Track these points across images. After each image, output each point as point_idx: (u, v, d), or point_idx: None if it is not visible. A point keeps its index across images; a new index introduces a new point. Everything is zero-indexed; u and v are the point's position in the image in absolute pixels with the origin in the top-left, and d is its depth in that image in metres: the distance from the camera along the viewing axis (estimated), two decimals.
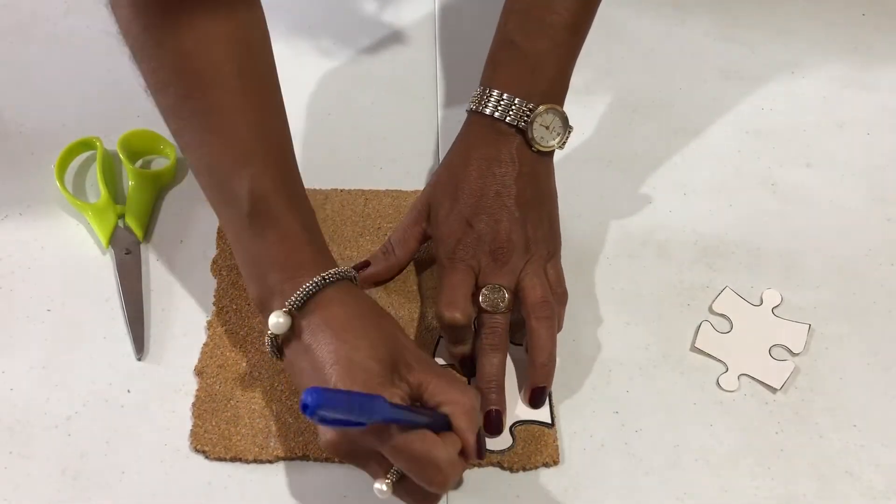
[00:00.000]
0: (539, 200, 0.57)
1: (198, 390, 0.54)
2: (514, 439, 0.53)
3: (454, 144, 0.59)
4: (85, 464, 0.51)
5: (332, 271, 0.48)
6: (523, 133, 0.56)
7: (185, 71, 0.50)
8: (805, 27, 0.80)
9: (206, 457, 0.52)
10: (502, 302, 0.53)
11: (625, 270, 0.62)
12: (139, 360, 0.56)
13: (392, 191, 0.65)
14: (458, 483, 0.51)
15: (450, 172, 0.57)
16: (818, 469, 0.52)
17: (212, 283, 0.60)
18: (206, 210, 0.63)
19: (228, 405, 0.53)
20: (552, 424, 0.53)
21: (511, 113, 0.55)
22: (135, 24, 0.50)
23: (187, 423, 0.53)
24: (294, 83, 0.73)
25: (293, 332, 0.48)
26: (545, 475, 0.52)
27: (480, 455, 0.47)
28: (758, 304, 0.60)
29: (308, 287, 0.47)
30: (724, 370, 0.57)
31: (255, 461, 0.52)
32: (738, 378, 0.56)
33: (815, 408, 0.55)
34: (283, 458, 0.52)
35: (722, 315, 0.60)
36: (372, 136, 0.70)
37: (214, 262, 0.60)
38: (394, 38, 0.78)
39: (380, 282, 0.59)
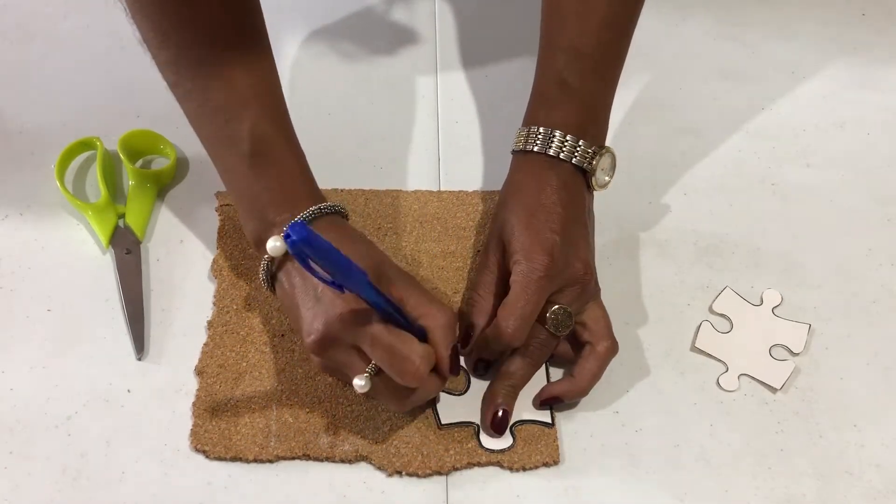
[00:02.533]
0: (593, 240, 0.58)
1: (198, 390, 0.54)
2: (514, 439, 0.53)
3: (515, 179, 0.58)
4: (85, 464, 0.51)
5: (326, 203, 0.52)
6: (584, 173, 0.57)
7: (186, 22, 0.51)
8: (805, 27, 0.80)
9: (206, 456, 0.52)
10: (566, 328, 0.53)
11: (625, 270, 0.62)
12: (139, 360, 0.56)
13: (392, 191, 0.65)
14: (435, 400, 0.54)
15: (522, 201, 0.55)
16: (818, 469, 0.53)
17: (212, 283, 0.60)
18: (207, 210, 0.64)
19: (228, 405, 0.53)
20: (552, 424, 0.53)
21: (577, 155, 0.55)
22: None
23: (187, 423, 0.53)
24: (294, 83, 0.73)
25: (287, 256, 0.50)
26: (545, 475, 0.52)
27: (454, 370, 0.50)
28: (758, 304, 0.60)
29: (304, 215, 0.51)
30: (724, 370, 0.57)
31: (255, 461, 0.52)
32: (739, 378, 0.56)
33: (815, 408, 0.55)
34: (283, 458, 0.52)
35: (722, 315, 0.60)
36: (372, 136, 0.70)
37: (214, 262, 0.60)
38: (394, 38, 0.78)
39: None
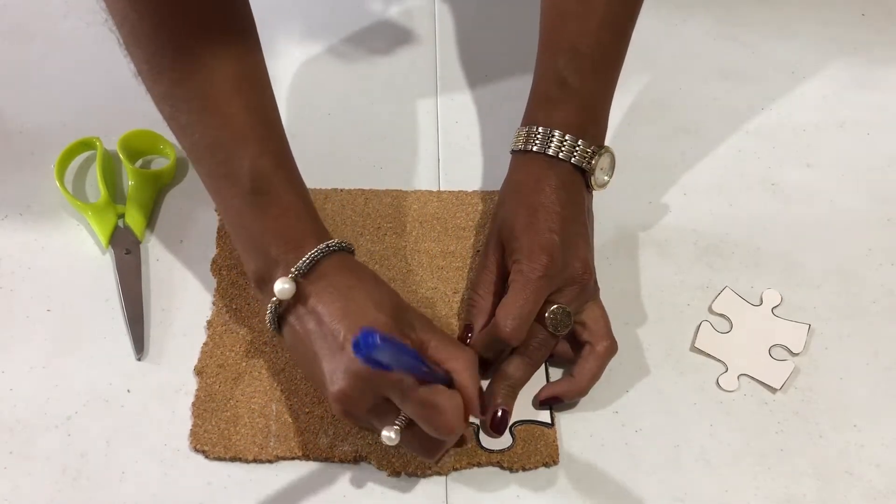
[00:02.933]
0: (592, 240, 0.57)
1: (198, 390, 0.54)
2: (514, 439, 0.53)
3: (515, 179, 0.57)
4: (85, 464, 0.51)
5: (333, 241, 0.51)
6: (583, 173, 0.56)
7: (182, 56, 0.50)
8: (805, 27, 0.80)
9: (206, 456, 0.52)
10: (565, 328, 0.53)
11: (625, 270, 0.62)
12: (139, 360, 0.56)
13: (392, 191, 0.65)
14: (461, 442, 0.51)
15: (522, 201, 0.55)
16: (818, 469, 0.53)
17: (212, 283, 0.60)
18: (207, 210, 0.64)
19: (228, 405, 0.53)
20: (552, 424, 0.54)
21: (576, 155, 0.55)
22: (131, 13, 0.50)
23: (187, 423, 0.53)
24: (294, 83, 0.73)
25: (297, 299, 0.49)
26: (545, 475, 0.52)
27: (483, 410, 0.49)
28: (758, 304, 0.60)
29: (313, 254, 0.49)
30: (724, 370, 0.57)
31: (255, 461, 0.52)
32: (738, 378, 0.56)
33: (815, 408, 0.55)
34: (283, 458, 0.52)
35: (722, 315, 0.60)
36: (372, 136, 0.70)
37: (214, 262, 0.60)
38: (394, 38, 0.78)
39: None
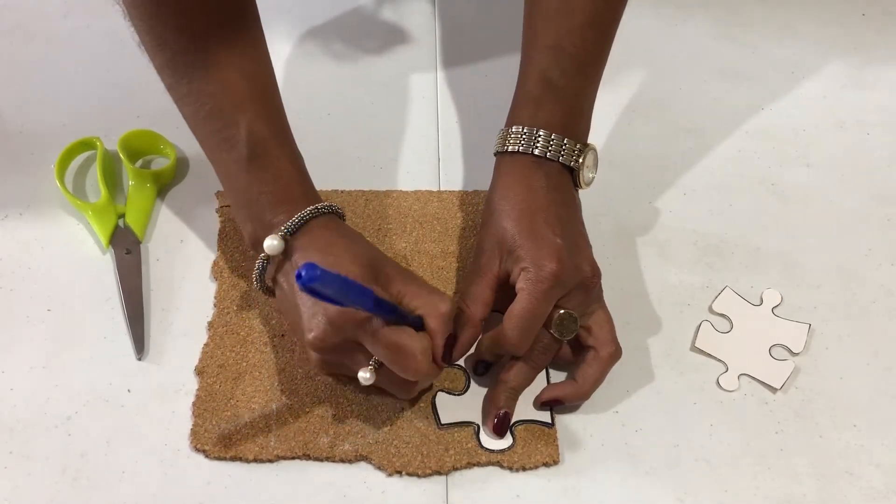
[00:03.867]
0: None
1: (198, 390, 0.54)
2: (513, 439, 0.53)
3: (503, 183, 0.56)
4: (85, 464, 0.51)
5: (322, 204, 0.53)
6: (571, 172, 0.56)
7: (182, 28, 0.52)
8: (805, 27, 0.80)
9: (206, 456, 0.52)
10: (571, 333, 0.53)
11: (625, 270, 0.62)
12: (139, 360, 0.56)
13: (392, 191, 0.65)
14: (430, 386, 0.54)
15: (517, 206, 0.54)
16: (818, 469, 0.53)
17: (212, 283, 0.60)
18: (207, 210, 0.64)
19: (228, 405, 0.53)
20: (552, 424, 0.53)
21: (563, 153, 0.55)
22: None
23: (187, 423, 0.53)
24: (294, 83, 0.73)
25: (284, 255, 0.51)
26: (545, 475, 0.52)
27: (446, 359, 0.50)
28: (758, 303, 0.60)
29: (301, 215, 0.51)
30: (724, 370, 0.57)
31: (255, 461, 0.52)
32: (738, 378, 0.56)
33: (815, 408, 0.55)
34: (283, 458, 0.52)
35: (722, 315, 0.60)
36: (372, 136, 0.70)
37: (215, 263, 0.60)
38: (394, 38, 0.78)
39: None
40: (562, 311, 0.52)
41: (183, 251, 0.62)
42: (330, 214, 0.53)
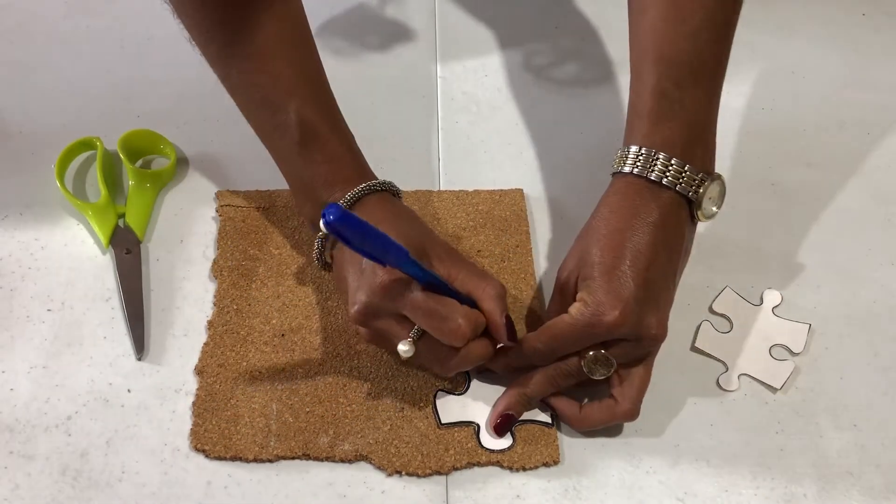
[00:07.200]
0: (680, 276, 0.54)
1: (198, 390, 0.54)
2: (513, 439, 0.53)
3: (611, 202, 0.53)
4: (85, 464, 0.51)
5: (376, 181, 0.54)
6: (689, 203, 0.52)
7: (228, 21, 0.53)
8: (805, 27, 0.80)
9: (206, 456, 0.52)
10: (600, 376, 0.51)
11: None
12: (139, 360, 0.56)
13: None
14: (481, 368, 0.54)
15: (612, 234, 0.51)
16: (818, 469, 0.52)
17: (212, 282, 0.60)
18: (207, 210, 0.64)
19: (228, 405, 0.53)
20: (552, 424, 0.53)
21: (682, 182, 0.51)
22: None
23: (187, 423, 0.53)
24: None
25: None
26: (545, 475, 0.52)
27: (511, 337, 0.50)
28: (758, 304, 0.60)
29: (354, 192, 0.52)
30: (724, 370, 0.57)
31: (255, 460, 0.52)
32: (738, 378, 0.56)
33: (815, 408, 0.55)
34: (283, 458, 0.52)
35: (722, 315, 0.60)
36: (372, 136, 0.69)
37: (215, 262, 0.60)
38: (394, 38, 0.78)
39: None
40: (600, 353, 0.50)
41: (183, 251, 0.62)
42: (384, 192, 0.54)
